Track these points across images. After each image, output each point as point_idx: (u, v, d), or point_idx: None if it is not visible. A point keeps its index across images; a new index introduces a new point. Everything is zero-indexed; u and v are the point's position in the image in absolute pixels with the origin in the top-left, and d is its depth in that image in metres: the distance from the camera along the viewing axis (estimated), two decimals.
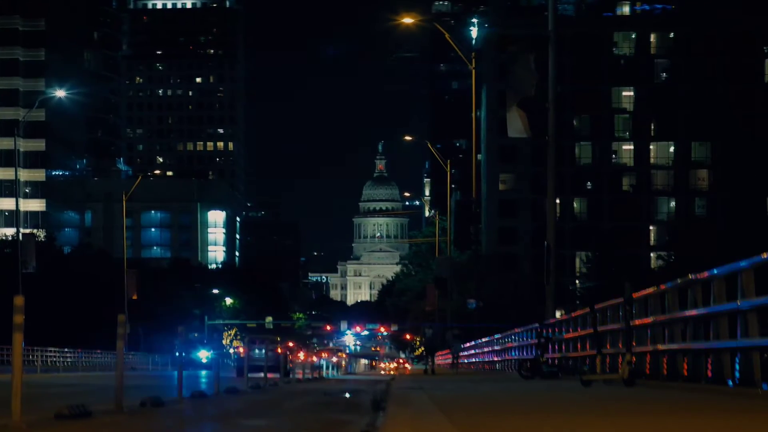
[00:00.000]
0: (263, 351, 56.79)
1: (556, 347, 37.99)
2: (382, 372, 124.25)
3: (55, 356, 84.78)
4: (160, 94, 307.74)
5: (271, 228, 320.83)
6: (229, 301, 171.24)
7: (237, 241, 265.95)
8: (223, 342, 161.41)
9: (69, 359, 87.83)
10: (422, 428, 12.24)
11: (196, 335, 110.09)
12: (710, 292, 20.29)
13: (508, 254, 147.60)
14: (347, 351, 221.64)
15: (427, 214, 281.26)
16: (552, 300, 45.33)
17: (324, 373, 71.36)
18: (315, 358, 76.13)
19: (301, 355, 74.91)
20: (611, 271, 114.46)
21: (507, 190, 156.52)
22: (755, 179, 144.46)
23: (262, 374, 40.11)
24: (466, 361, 76.38)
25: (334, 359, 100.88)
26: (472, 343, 74.70)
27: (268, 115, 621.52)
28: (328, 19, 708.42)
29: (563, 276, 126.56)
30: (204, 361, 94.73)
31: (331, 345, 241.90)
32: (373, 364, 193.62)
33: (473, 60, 73.44)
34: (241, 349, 63.12)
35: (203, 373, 66.56)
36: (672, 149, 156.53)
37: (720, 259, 23.40)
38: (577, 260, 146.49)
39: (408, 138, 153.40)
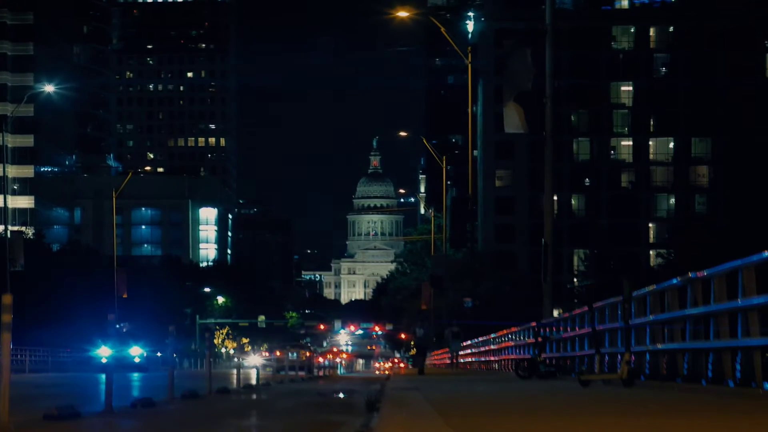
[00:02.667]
0: (296, 355, 74.01)
1: (554, 346, 37.81)
2: (377, 372, 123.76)
3: (44, 356, 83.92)
4: (151, 89, 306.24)
5: (263, 225, 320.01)
6: (220, 299, 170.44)
7: (229, 239, 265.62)
8: (215, 341, 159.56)
9: (58, 359, 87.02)
10: (417, 430, 12.18)
11: (124, 327, 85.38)
12: (710, 290, 20.17)
13: (504, 252, 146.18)
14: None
15: (422, 211, 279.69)
16: (550, 298, 44.77)
17: (337, 372, 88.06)
18: (321, 359, 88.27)
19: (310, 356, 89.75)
20: (610, 269, 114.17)
21: (504, 187, 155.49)
22: (756, 175, 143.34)
23: (295, 372, 54.84)
24: (462, 360, 74.89)
25: (338, 360, 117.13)
26: (468, 342, 73.48)
27: (260, 110, 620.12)
28: (322, 13, 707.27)
29: (561, 274, 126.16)
30: (137, 360, 75.55)
31: (324, 344, 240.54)
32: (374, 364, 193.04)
33: (469, 54, 73.04)
34: (278, 353, 78.70)
35: (135, 376, 55.83)
36: (672, 145, 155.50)
37: (720, 257, 22.57)
38: (576, 258, 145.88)
39: (403, 133, 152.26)
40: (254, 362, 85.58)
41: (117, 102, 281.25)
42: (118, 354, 70.37)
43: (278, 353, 79.07)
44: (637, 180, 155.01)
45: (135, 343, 75.41)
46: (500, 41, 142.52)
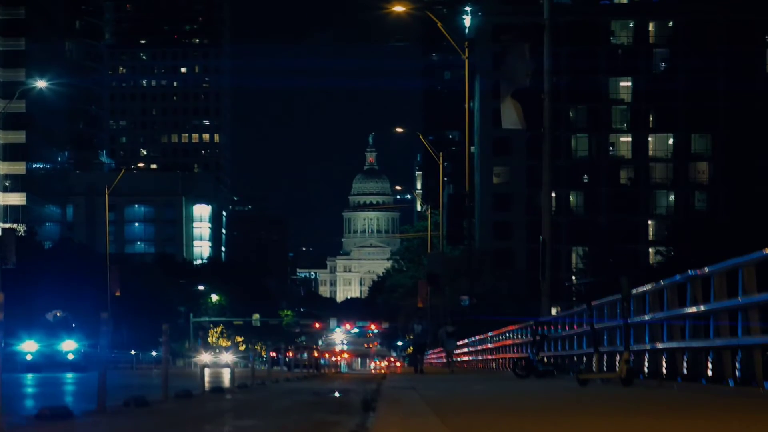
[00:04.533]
0: (305, 354, 79.85)
1: (552, 345, 37.73)
2: (373, 371, 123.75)
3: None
4: (144, 85, 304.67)
5: (258, 222, 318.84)
6: (215, 297, 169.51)
7: (223, 236, 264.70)
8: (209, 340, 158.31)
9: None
10: (413, 429, 12.14)
11: (58, 314, 69.39)
12: (710, 288, 20.13)
13: (502, 249, 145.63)
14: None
15: (418, 208, 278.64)
16: (547, 297, 44.18)
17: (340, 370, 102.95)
18: (319, 358, 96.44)
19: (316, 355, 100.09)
20: (608, 266, 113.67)
21: (501, 184, 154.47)
22: (757, 172, 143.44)
23: (305, 370, 61.99)
24: (459, 360, 74.42)
25: (338, 359, 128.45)
26: (465, 341, 72.70)
27: (254, 106, 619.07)
28: (316, 7, 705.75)
29: (559, 272, 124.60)
30: (71, 357, 58.01)
31: (320, 343, 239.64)
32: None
33: (466, 50, 71.73)
34: (290, 353, 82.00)
35: (69, 377, 46.08)
36: (671, 141, 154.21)
37: (720, 255, 22.49)
38: (574, 255, 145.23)
39: (399, 129, 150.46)
40: (227, 360, 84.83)
41: (110, 98, 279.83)
42: (47, 349, 58.81)
43: (291, 353, 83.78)
44: (636, 177, 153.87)
45: (68, 336, 59.47)
46: (498, 36, 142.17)
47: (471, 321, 79.34)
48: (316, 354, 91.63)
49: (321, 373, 69.55)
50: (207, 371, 50.18)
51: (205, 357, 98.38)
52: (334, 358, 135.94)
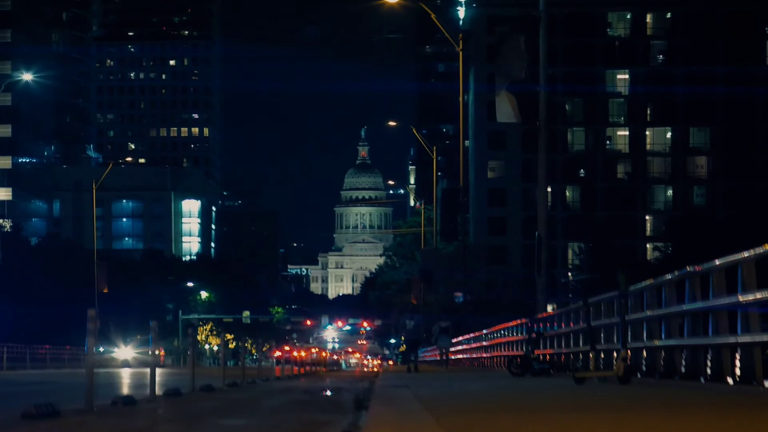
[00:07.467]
0: (315, 355, 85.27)
1: (548, 343, 37.52)
2: (366, 369, 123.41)
3: (22, 352, 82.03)
4: (132, 78, 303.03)
5: (248, 218, 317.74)
6: (204, 294, 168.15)
7: (212, 232, 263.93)
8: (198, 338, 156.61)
9: (37, 355, 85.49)
10: (407, 428, 12.14)
11: None
12: (709, 284, 19.96)
13: (497, 245, 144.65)
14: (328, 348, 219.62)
15: (412, 203, 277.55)
16: (543, 293, 43.57)
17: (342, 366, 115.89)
18: (326, 359, 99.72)
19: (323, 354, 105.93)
20: (605, 262, 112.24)
21: (496, 178, 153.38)
22: (756, 166, 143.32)
23: (314, 367, 66.75)
24: (453, 357, 72.96)
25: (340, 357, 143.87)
26: (460, 338, 71.80)
27: (244, 99, 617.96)
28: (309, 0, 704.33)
29: (555, 268, 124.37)
30: None
31: (311, 340, 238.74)
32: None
33: (460, 42, 70.61)
34: (303, 353, 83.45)
35: None
36: (669, 135, 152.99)
37: (719, 251, 22.20)
38: (570, 251, 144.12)
39: (392, 123, 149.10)
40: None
41: (97, 91, 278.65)
42: None
43: (304, 353, 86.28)
44: (634, 171, 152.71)
45: None
46: (492, 28, 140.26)
47: (465, 318, 78.07)
48: (324, 354, 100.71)
49: (325, 370, 75.04)
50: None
51: (125, 352, 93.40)
52: (335, 357, 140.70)
